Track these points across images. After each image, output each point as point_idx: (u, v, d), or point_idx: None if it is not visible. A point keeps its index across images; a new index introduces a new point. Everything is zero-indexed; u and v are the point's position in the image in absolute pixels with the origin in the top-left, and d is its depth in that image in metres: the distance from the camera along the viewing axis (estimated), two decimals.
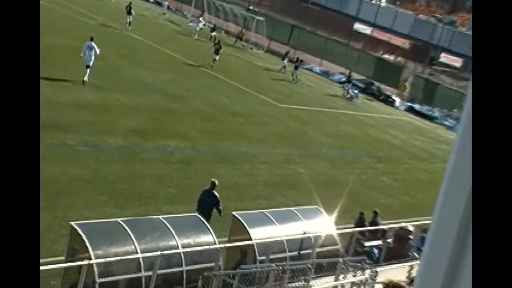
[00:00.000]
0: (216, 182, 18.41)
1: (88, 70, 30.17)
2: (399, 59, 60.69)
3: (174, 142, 26.45)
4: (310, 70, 55.27)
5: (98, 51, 30.57)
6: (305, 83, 48.20)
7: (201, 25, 55.67)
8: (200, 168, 24.30)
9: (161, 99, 31.89)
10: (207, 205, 17.71)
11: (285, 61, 49.81)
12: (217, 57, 42.96)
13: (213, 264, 14.14)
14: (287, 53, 52.22)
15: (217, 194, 18.10)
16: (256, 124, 32.75)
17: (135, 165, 22.63)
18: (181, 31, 56.00)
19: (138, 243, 13.51)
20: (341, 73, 55.40)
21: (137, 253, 13.29)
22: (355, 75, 54.10)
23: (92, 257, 12.53)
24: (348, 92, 48.27)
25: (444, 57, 59.15)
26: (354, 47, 60.71)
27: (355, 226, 19.85)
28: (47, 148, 21.38)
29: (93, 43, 30.43)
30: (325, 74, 55.39)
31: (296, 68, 48.17)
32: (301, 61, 55.44)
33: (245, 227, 16.02)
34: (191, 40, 53.31)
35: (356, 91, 48.09)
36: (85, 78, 29.82)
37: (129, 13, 47.42)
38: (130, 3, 48.64)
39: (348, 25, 64.20)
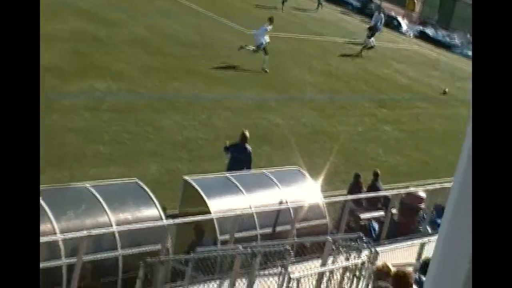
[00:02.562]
0: (247, 133, 19.46)
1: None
2: None
3: (105, 83, 26.15)
4: None
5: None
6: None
7: None
8: (141, 118, 24.13)
9: (85, 24, 31.41)
10: (240, 163, 18.80)
11: None
12: None
13: (159, 246, 14.13)
14: None
15: (250, 149, 19.22)
16: (217, 58, 32.51)
17: (51, 116, 22.31)
18: None
19: (56, 220, 13.42)
20: None
21: (55, 233, 13.20)
22: None
23: None
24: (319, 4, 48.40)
25: None
26: None
27: (349, 193, 19.92)
28: None
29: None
30: None
31: None
32: None
33: (202, 197, 15.96)
34: None
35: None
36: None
37: None
38: None
39: None
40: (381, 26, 44.05)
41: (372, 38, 41.15)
